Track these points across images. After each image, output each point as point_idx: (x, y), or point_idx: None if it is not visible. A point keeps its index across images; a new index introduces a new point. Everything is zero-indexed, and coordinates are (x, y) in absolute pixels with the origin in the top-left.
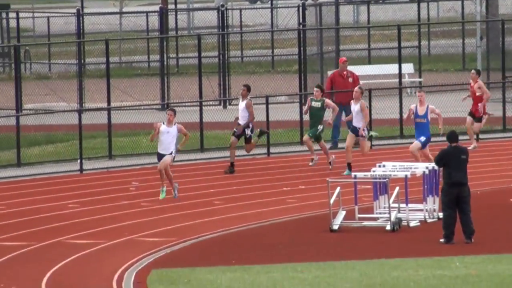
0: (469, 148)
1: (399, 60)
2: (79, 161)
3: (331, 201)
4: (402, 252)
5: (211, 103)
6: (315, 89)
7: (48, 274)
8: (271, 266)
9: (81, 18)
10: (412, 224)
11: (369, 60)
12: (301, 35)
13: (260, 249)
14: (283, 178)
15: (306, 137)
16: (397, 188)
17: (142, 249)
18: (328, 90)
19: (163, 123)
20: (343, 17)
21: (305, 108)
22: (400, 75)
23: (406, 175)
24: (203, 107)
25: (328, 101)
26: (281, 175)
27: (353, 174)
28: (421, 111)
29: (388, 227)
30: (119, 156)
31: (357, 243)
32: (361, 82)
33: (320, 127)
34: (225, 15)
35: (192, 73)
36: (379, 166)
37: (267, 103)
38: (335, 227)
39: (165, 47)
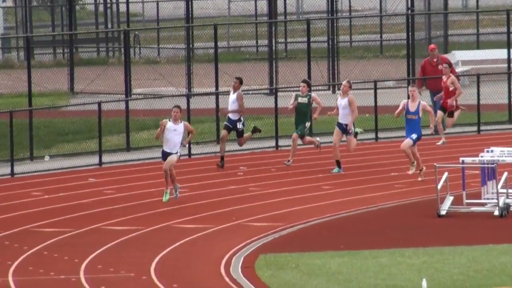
0: (437, 143)
1: (508, 45)
2: (187, 145)
3: (439, 186)
4: (511, 238)
5: (320, 88)
6: (302, 84)
7: (156, 259)
8: (379, 251)
9: (190, 3)
10: None
11: (478, 45)
12: (410, 20)
13: (368, 234)
14: (391, 163)
15: (295, 135)
16: (506, 173)
17: (250, 234)
18: (420, 77)
19: (169, 120)
20: (451, 2)
21: (290, 105)
22: (509, 60)
23: None
24: (312, 92)
25: (314, 96)
26: (389, 160)
27: (461, 159)
28: (412, 107)
29: (496, 213)
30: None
31: (464, 228)
32: (469, 67)
33: (307, 124)
34: (334, 0)
35: (301, 58)
36: (487, 152)
37: (375, 88)
38: (443, 212)
39: (273, 32)
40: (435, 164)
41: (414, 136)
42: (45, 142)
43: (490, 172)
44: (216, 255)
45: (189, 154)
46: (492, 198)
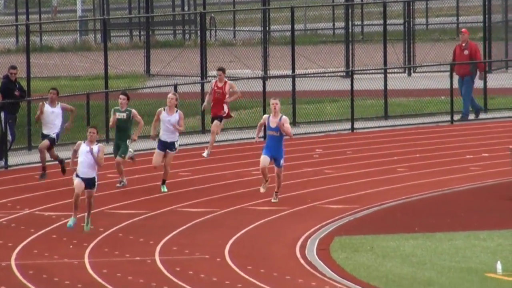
0: (202, 154)
1: None
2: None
3: None
4: None
5: (395, 70)
6: (121, 96)
7: (231, 241)
8: (453, 234)
9: None
10: None
11: None
12: (486, 3)
13: (443, 217)
14: (467, 146)
15: (118, 159)
16: None
17: (325, 216)
18: (453, 61)
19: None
20: None
21: (111, 121)
22: None
23: None
24: (388, 75)
25: (135, 112)
26: (464, 143)
27: None
28: (273, 123)
29: None
30: (303, 123)
31: None
32: None
33: (128, 142)
34: None
35: (377, 40)
36: None
37: (451, 71)
38: None
39: (350, 14)
40: (510, 146)
41: (282, 162)
42: None
43: None
44: (291, 237)
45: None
46: None
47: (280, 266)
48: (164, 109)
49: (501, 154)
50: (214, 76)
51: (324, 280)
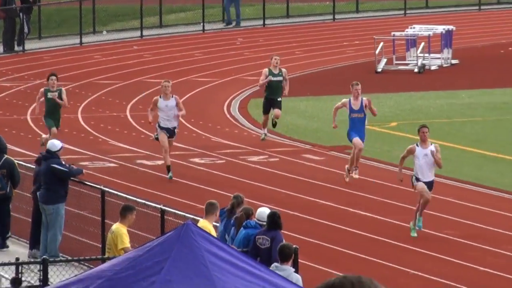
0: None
1: None
2: (201, 23)
3: (377, 51)
4: (425, 87)
5: None
6: (52, 77)
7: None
8: (333, 96)
9: None
10: (432, 67)
11: None
12: None
13: (326, 85)
14: (344, 37)
15: (54, 129)
16: (422, 43)
17: (244, 85)
18: None
19: None
20: None
21: (38, 100)
22: None
23: (429, 34)
24: None
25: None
26: (343, 35)
27: (392, 33)
28: (356, 106)
29: (416, 70)
30: (245, 19)
31: (393, 80)
32: None
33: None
34: None
35: None
36: (411, 28)
37: None
38: (379, 69)
39: None
40: (374, 36)
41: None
42: (103, 21)
43: (412, 42)
44: (221, 100)
45: (204, 30)
46: (413, 60)
47: (213, 119)
48: (160, 97)
49: (368, 42)
50: None
51: (243, 129)
